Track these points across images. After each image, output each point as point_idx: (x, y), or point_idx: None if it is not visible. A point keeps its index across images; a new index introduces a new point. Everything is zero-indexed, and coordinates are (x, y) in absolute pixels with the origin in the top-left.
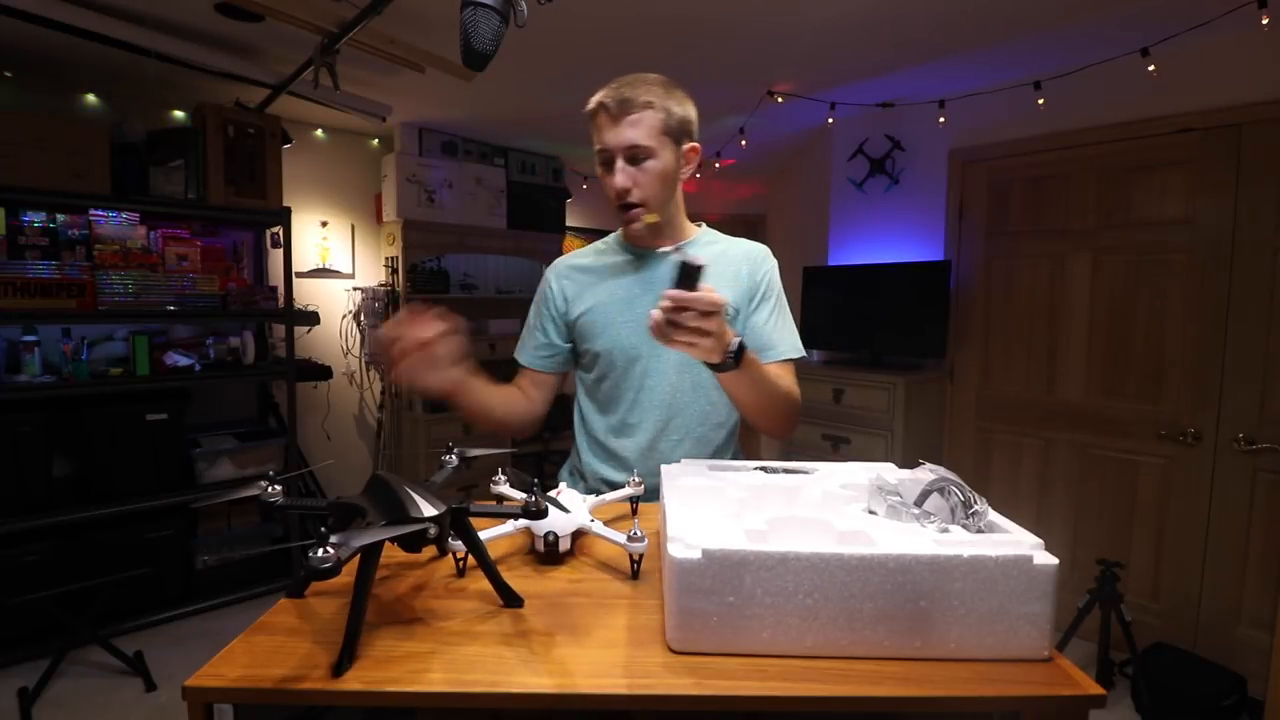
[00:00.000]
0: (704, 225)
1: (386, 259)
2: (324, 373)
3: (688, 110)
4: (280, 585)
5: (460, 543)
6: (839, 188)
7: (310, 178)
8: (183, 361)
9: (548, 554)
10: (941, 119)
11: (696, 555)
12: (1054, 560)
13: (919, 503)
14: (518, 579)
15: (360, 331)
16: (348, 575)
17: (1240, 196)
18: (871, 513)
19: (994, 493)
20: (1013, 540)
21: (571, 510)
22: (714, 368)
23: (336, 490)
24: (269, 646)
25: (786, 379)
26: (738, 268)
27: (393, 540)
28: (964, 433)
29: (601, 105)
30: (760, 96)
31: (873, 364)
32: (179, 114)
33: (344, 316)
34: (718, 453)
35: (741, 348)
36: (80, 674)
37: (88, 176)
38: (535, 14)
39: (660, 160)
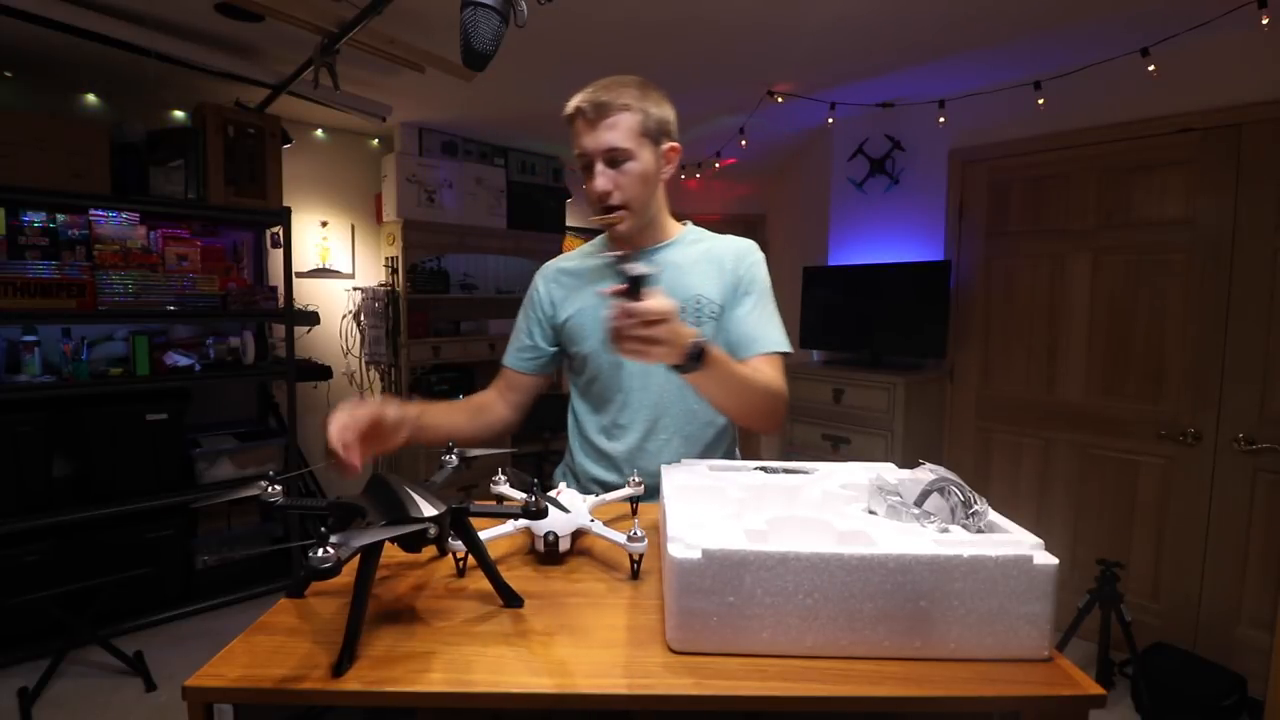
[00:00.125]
0: (690, 224)
1: (386, 259)
2: (324, 373)
3: (665, 111)
4: (280, 585)
5: (460, 543)
6: (839, 188)
7: (310, 178)
8: (183, 361)
9: (548, 554)
10: (941, 119)
11: (696, 555)
12: (1054, 560)
13: (919, 503)
14: (518, 579)
15: (360, 331)
16: (348, 575)
17: (1240, 196)
18: (871, 513)
19: (994, 493)
20: (1013, 540)
21: (571, 510)
22: (676, 369)
23: (336, 490)
24: (269, 646)
25: (768, 372)
26: (722, 264)
27: (393, 540)
28: (964, 433)
29: (579, 110)
30: (760, 97)
31: (873, 364)
32: (179, 114)
33: (344, 316)
34: (709, 450)
35: (701, 349)
36: (80, 674)
37: (88, 176)
38: (535, 14)
39: (640, 162)
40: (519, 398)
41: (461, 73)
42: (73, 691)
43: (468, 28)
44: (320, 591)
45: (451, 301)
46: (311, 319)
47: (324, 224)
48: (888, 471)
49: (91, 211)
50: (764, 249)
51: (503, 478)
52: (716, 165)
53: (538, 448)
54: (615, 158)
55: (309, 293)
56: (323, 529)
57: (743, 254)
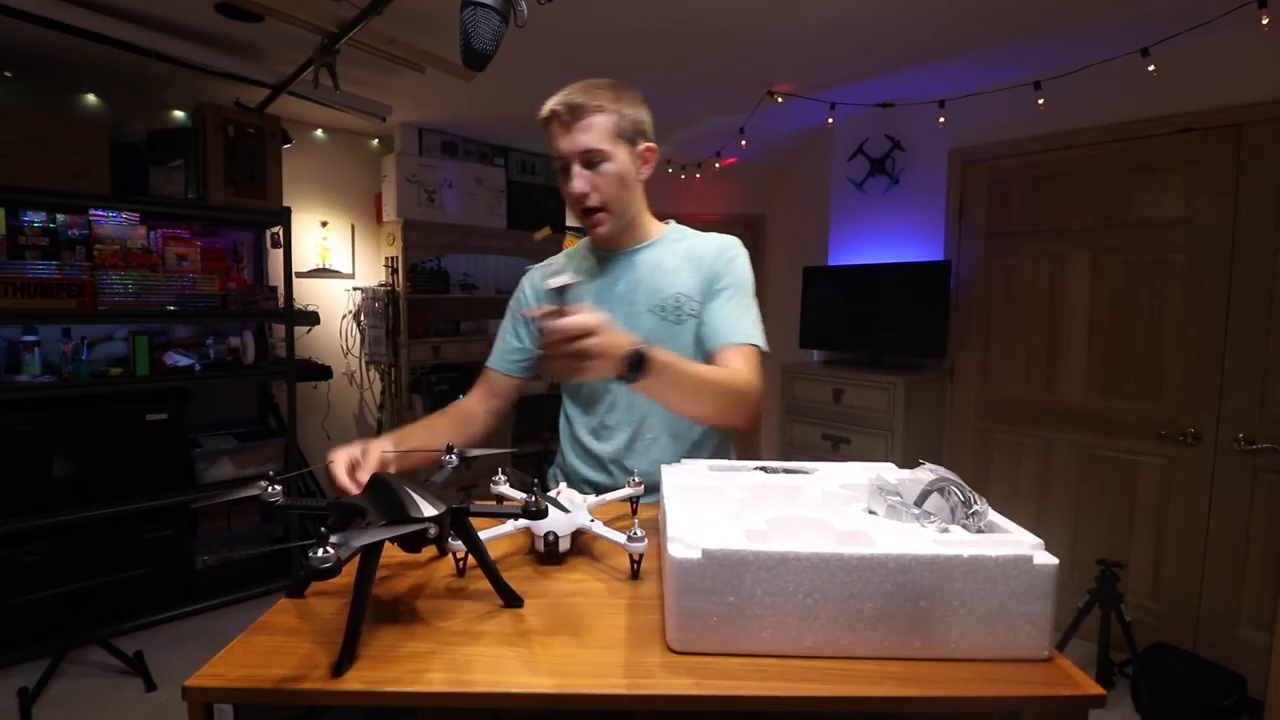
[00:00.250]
0: (672, 223)
1: (386, 259)
2: (324, 373)
3: (639, 112)
4: (280, 585)
5: (460, 543)
6: (839, 188)
7: (310, 178)
8: (183, 361)
9: (548, 554)
10: (941, 119)
11: (696, 555)
12: (1054, 560)
13: (919, 503)
14: (518, 579)
15: (360, 331)
16: (348, 575)
17: (1240, 196)
18: (871, 513)
19: (994, 493)
20: (1013, 540)
21: (571, 510)
22: (620, 380)
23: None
24: (269, 646)
25: (735, 365)
26: (701, 260)
27: (393, 540)
28: (964, 433)
29: (554, 113)
30: (760, 97)
31: (873, 364)
32: (179, 114)
33: (344, 316)
34: (698, 446)
35: (641, 356)
36: (80, 674)
37: (88, 176)
38: (535, 14)
39: (616, 162)
40: (501, 404)
41: (461, 73)
42: (73, 691)
43: (468, 28)
44: (320, 591)
45: (451, 301)
46: (311, 319)
47: (324, 224)
48: (888, 471)
49: (91, 211)
50: (764, 249)
51: (502, 478)
52: (716, 165)
53: (538, 448)
54: (591, 159)
55: (309, 293)
56: (323, 529)
57: (722, 249)
